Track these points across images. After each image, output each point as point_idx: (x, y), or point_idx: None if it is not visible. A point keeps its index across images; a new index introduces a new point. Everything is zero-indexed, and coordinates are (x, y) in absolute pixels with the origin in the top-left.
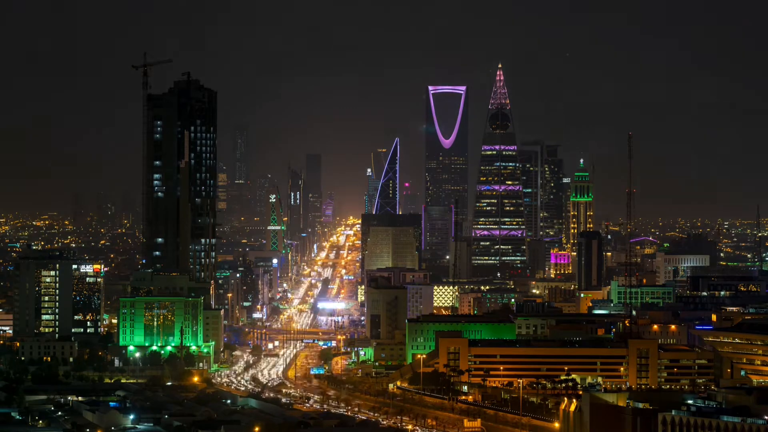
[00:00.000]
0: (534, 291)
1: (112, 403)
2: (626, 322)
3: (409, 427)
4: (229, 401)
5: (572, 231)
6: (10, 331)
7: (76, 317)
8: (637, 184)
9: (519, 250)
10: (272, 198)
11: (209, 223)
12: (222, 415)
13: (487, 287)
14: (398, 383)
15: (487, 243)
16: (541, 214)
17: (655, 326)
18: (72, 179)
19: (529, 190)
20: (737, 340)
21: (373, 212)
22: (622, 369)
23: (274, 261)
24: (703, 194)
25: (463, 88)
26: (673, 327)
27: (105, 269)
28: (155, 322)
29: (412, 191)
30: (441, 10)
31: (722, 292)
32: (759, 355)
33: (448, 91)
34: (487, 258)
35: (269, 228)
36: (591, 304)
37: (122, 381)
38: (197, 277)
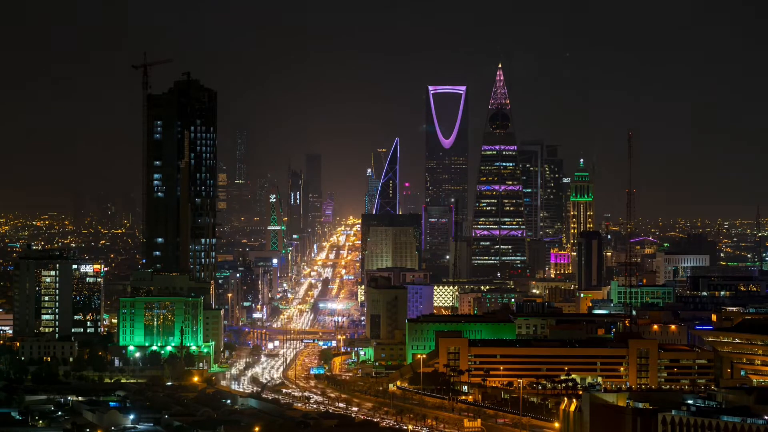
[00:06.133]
0: (534, 291)
1: (112, 403)
2: (626, 322)
3: (409, 427)
4: (229, 401)
5: (572, 231)
6: (10, 331)
7: (76, 317)
8: (637, 184)
9: (519, 250)
10: (272, 198)
11: (209, 223)
12: (222, 415)
13: (487, 287)
14: (398, 383)
15: (487, 243)
16: (541, 214)
17: (655, 326)
18: (72, 179)
19: (529, 190)
20: (737, 340)
21: (373, 212)
22: (622, 369)
23: (274, 261)
24: (703, 193)
25: (463, 88)
26: (673, 327)
27: (105, 269)
28: (155, 322)
29: (412, 191)
30: (441, 9)
31: (722, 292)
32: (759, 355)
33: (448, 91)
34: (487, 258)
35: (269, 228)
36: (591, 304)
37: (122, 381)
38: (197, 277)
